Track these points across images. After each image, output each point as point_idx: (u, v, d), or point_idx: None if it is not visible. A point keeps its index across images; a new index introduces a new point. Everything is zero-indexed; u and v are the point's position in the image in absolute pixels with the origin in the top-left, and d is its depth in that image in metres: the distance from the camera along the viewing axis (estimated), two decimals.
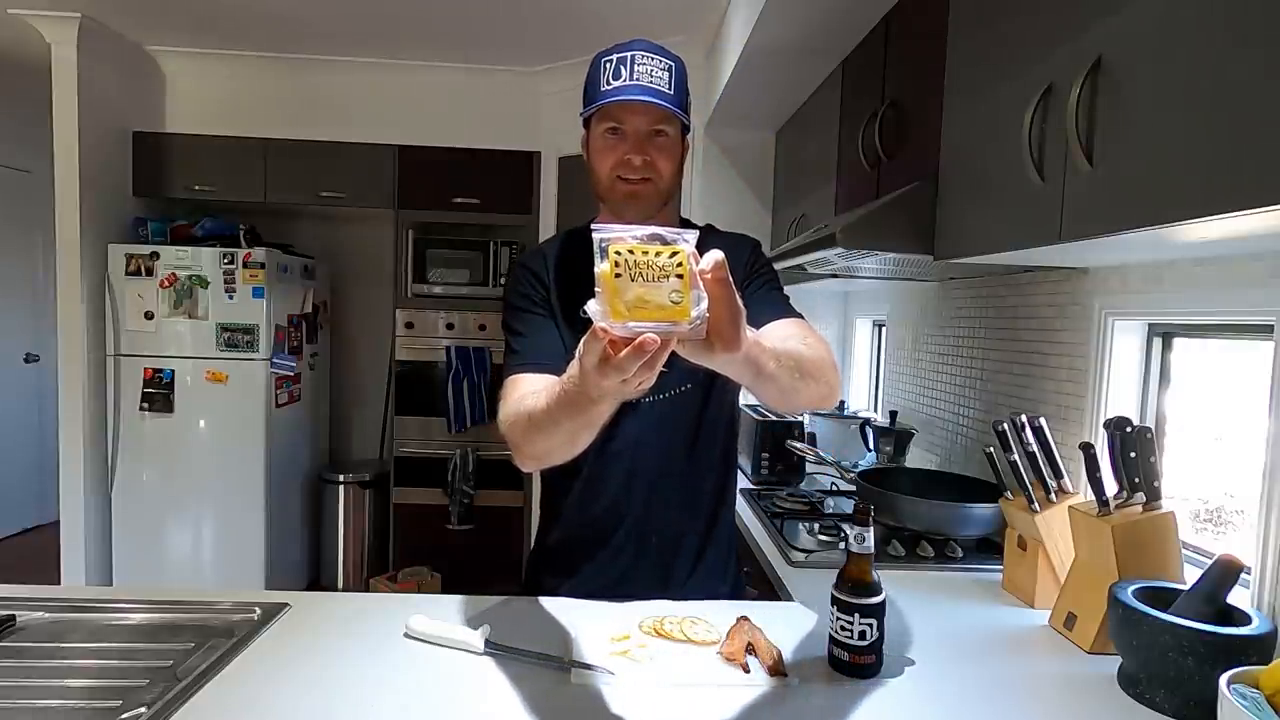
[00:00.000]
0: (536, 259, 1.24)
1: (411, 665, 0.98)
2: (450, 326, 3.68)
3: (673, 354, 1.11)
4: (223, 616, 1.11)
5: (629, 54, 1.09)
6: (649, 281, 0.67)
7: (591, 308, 0.69)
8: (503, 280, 3.64)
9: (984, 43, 1.31)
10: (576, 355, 0.79)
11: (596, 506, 1.22)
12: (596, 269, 0.67)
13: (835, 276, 2.14)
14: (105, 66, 3.25)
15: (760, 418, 2.27)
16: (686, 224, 1.24)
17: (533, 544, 1.37)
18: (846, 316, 3.13)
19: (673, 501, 1.22)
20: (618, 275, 0.67)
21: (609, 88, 1.09)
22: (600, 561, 1.23)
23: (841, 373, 3.12)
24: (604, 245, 0.67)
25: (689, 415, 1.21)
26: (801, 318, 1.17)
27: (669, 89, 1.10)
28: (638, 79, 1.08)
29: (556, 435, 0.91)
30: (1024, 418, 1.29)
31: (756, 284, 1.21)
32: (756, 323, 1.07)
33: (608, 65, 1.10)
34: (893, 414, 2.29)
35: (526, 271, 1.22)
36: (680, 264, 0.67)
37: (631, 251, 0.66)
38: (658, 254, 0.67)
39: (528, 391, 1.01)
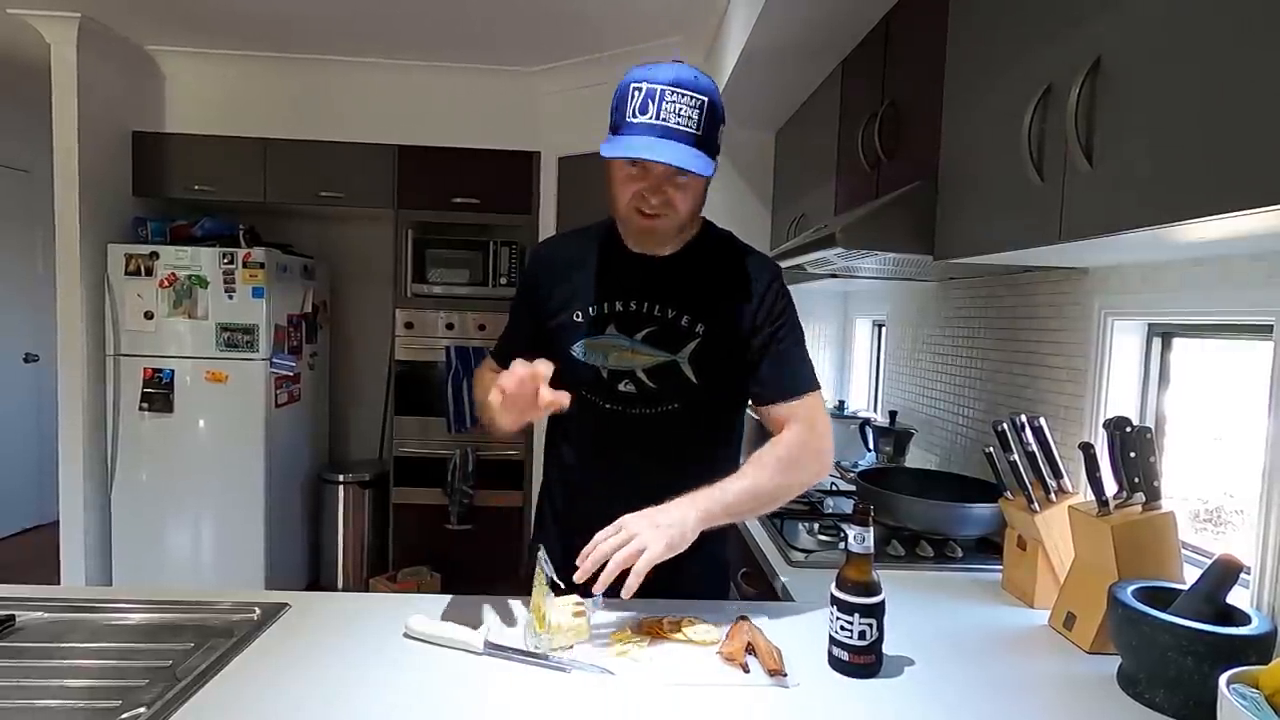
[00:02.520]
0: (544, 259, 1.30)
1: (411, 665, 0.98)
2: (450, 326, 3.68)
3: (664, 375, 1.19)
4: (222, 616, 1.10)
5: (658, 88, 1.03)
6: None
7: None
8: (502, 280, 3.66)
9: (983, 43, 1.31)
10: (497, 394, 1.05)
11: (588, 510, 1.21)
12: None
13: (835, 276, 2.15)
14: (105, 66, 3.25)
15: (758, 418, 2.26)
16: (710, 228, 1.25)
17: (530, 542, 1.37)
18: (846, 316, 3.13)
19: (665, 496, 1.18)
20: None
21: (635, 121, 1.05)
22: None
23: (842, 374, 3.12)
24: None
25: (676, 432, 1.22)
26: (813, 389, 1.21)
27: (696, 128, 1.05)
28: (664, 118, 1.03)
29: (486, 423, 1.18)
30: (1023, 418, 1.29)
31: (770, 334, 1.19)
32: (760, 396, 1.21)
33: (636, 93, 1.05)
34: (892, 414, 2.29)
35: (529, 269, 1.32)
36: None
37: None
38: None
39: (488, 369, 1.31)
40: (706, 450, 1.26)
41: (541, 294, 1.24)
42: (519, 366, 1.03)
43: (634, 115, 1.04)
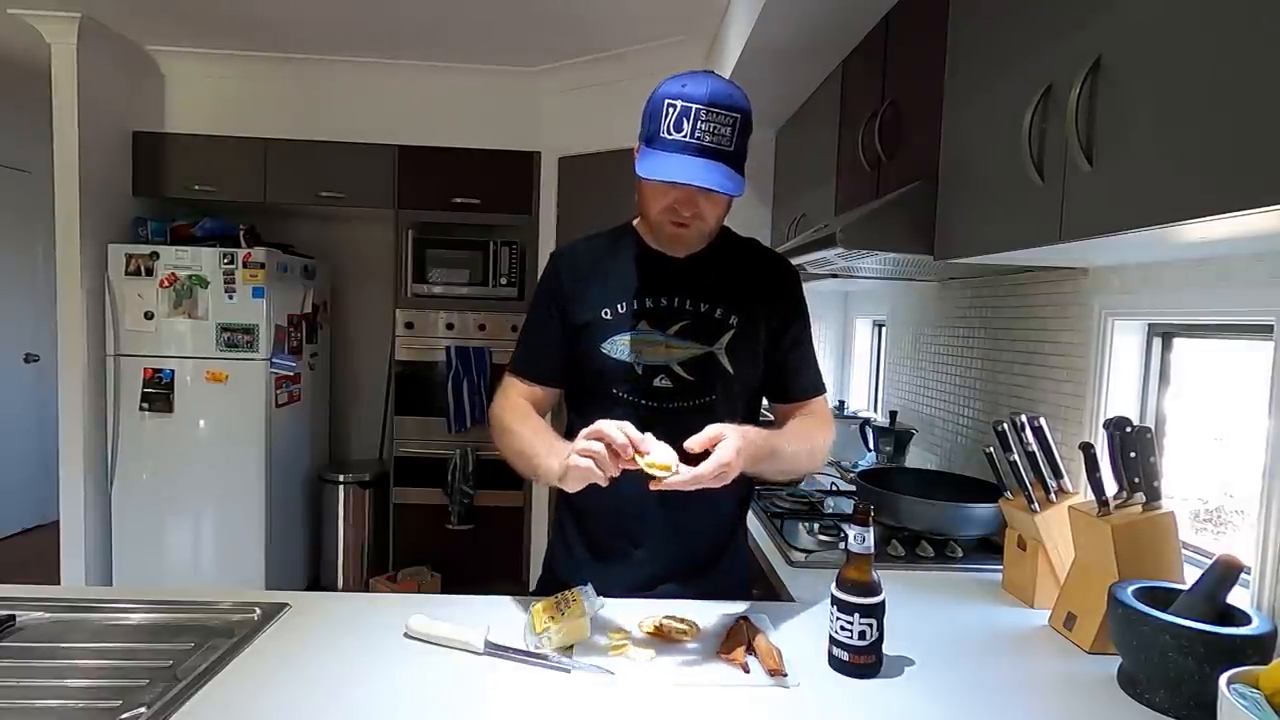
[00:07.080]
0: (568, 258, 1.27)
1: (411, 665, 0.98)
2: (450, 326, 3.68)
3: (701, 367, 1.21)
4: (223, 616, 1.11)
5: (694, 107, 1.04)
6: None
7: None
8: (502, 280, 3.65)
9: (984, 42, 1.31)
10: (562, 464, 1.02)
11: (618, 508, 1.22)
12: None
13: (835, 276, 2.15)
14: (105, 66, 3.25)
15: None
16: (729, 231, 1.28)
17: (549, 541, 1.37)
18: (846, 316, 3.13)
19: (695, 501, 1.20)
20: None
21: (669, 138, 1.05)
22: (625, 560, 1.24)
23: (842, 374, 3.12)
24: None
25: (712, 422, 1.21)
26: (822, 390, 1.31)
27: (729, 144, 1.07)
28: (699, 137, 1.05)
29: (512, 463, 1.18)
30: (1024, 418, 1.29)
31: (798, 334, 1.26)
32: (787, 394, 1.29)
33: (670, 110, 1.05)
34: (892, 414, 2.29)
35: (554, 270, 1.26)
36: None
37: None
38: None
39: (516, 403, 1.23)
40: None
41: (568, 293, 1.23)
42: (613, 432, 0.99)
43: (668, 132, 1.06)
